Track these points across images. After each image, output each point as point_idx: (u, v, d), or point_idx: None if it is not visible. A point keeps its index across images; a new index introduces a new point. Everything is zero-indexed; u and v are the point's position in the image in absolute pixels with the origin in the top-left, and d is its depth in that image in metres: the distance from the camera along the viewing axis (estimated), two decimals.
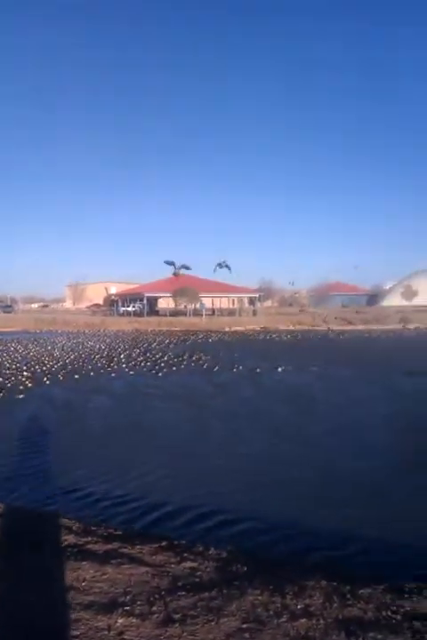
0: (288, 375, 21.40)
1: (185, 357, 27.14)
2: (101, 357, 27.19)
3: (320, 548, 6.44)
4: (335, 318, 58.74)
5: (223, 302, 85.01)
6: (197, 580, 5.05)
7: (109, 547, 5.90)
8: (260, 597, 4.63)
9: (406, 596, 4.85)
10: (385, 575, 5.49)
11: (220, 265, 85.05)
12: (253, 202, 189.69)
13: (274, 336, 44.36)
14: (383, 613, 4.43)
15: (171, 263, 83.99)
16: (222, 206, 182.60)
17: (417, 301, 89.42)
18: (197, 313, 69.14)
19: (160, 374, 21.76)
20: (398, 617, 4.37)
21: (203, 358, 26.79)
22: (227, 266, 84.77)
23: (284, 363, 24.02)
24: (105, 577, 5.03)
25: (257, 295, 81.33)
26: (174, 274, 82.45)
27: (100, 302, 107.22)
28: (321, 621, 4.23)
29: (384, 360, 26.73)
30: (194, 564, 5.45)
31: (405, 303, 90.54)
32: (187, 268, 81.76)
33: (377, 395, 16.91)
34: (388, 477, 9.17)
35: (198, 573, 5.21)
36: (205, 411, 14.68)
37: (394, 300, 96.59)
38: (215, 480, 9.02)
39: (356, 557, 6.24)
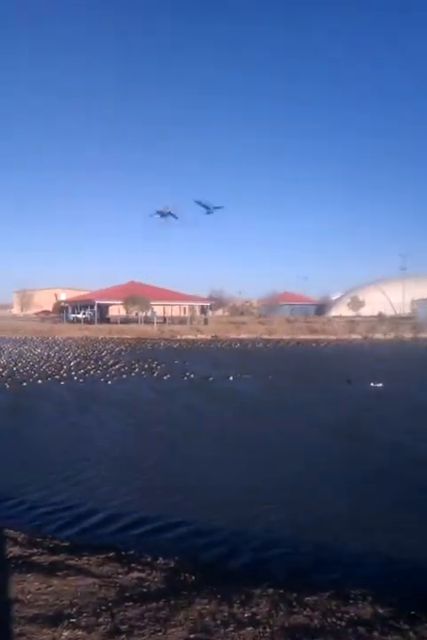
0: (239, 383, 21.56)
1: (135, 365, 26.92)
2: (51, 365, 26.69)
3: (267, 556, 6.51)
4: (291, 324, 59.51)
5: (175, 310, 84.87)
6: (145, 590, 5.01)
7: (55, 558, 5.79)
8: (207, 607, 4.63)
9: (350, 602, 4.95)
10: (332, 581, 5.61)
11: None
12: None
13: (225, 345, 44.56)
14: (329, 620, 4.50)
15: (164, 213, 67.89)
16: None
17: (364, 312, 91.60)
18: (148, 321, 68.76)
19: (110, 382, 21.53)
20: (343, 623, 4.45)
21: (153, 366, 26.64)
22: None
23: (235, 371, 24.16)
24: (51, 589, 4.92)
25: (208, 304, 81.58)
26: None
27: (50, 309, 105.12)
28: (268, 629, 4.26)
29: (329, 368, 27.35)
30: (142, 575, 5.41)
31: (351, 313, 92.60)
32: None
33: (319, 401, 17.56)
34: (326, 479, 9.46)
35: (146, 583, 5.18)
36: (149, 418, 14.72)
37: (341, 311, 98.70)
38: (155, 489, 9.03)
39: (303, 564, 6.33)
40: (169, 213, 67.34)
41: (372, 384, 19.79)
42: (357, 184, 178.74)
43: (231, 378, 22.85)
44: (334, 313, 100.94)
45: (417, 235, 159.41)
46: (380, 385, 19.66)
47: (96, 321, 70.14)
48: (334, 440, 12.35)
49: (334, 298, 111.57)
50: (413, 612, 4.71)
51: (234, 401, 17.84)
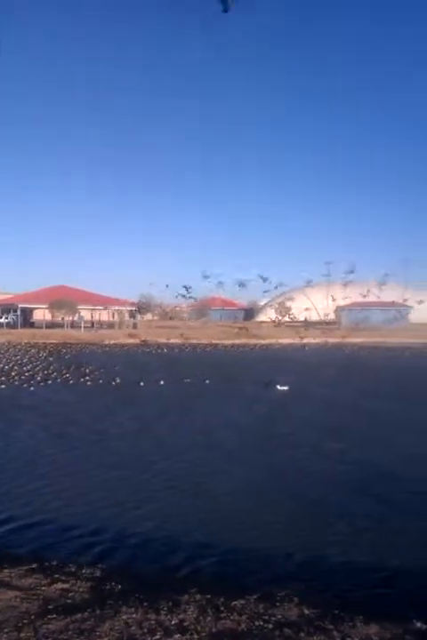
0: (167, 388, 21.51)
1: (60, 371, 26.29)
2: None
3: (195, 561, 6.47)
4: (221, 329, 59.93)
5: (103, 315, 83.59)
6: (70, 601, 4.88)
7: None
8: (134, 615, 4.55)
9: (277, 604, 5.01)
10: (260, 584, 5.64)
11: None
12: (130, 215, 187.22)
13: (154, 349, 44.34)
14: (256, 623, 4.53)
15: None
16: (102, 220, 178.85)
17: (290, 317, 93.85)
18: (75, 325, 67.38)
19: (32, 388, 20.92)
20: (270, 626, 4.49)
21: (78, 372, 26.09)
22: None
23: (162, 375, 24.05)
24: None
25: (137, 308, 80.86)
26: None
27: None
28: (195, 636, 4.24)
29: (252, 372, 27.98)
30: (66, 585, 5.25)
31: (279, 318, 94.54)
32: None
33: (237, 404, 18.09)
34: (235, 481, 9.58)
35: (71, 594, 5.04)
36: (74, 426, 14.41)
37: (269, 315, 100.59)
38: (72, 496, 8.84)
39: (231, 568, 6.33)
40: None
41: (278, 386, 20.92)
42: (284, 192, 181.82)
43: (162, 382, 22.78)
44: (262, 317, 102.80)
45: (342, 242, 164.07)
46: (286, 388, 20.77)
47: (19, 325, 68.07)
48: (242, 442, 12.73)
49: (262, 303, 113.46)
50: (336, 612, 4.82)
51: (157, 402, 18.16)
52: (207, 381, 23.35)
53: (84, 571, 5.77)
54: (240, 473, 10.24)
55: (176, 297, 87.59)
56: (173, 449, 11.99)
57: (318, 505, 8.48)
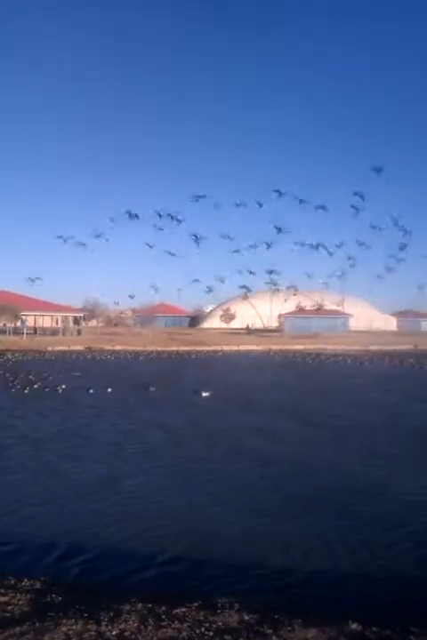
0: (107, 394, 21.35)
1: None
2: None
3: (136, 569, 6.49)
4: (166, 336, 59.70)
5: (46, 321, 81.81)
6: (8, 614, 4.82)
7: None
8: (74, 627, 4.55)
9: (218, 611, 5.10)
10: (201, 592, 5.73)
11: None
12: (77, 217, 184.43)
13: (98, 356, 43.80)
14: (197, 631, 4.60)
15: None
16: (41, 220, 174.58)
17: (234, 324, 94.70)
18: (17, 331, 65.70)
19: None
20: (211, 633, 4.57)
21: (18, 379, 25.51)
22: None
23: (102, 382, 23.82)
24: None
25: (82, 314, 79.69)
26: None
27: None
28: None
29: (189, 379, 28.13)
30: (5, 599, 5.19)
31: (223, 326, 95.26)
32: None
33: (164, 409, 18.67)
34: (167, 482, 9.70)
35: (9, 608, 4.98)
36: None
37: (214, 323, 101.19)
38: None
39: (172, 575, 6.39)
40: None
41: (203, 394, 21.51)
42: (226, 196, 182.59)
43: (92, 390, 22.65)
44: (207, 325, 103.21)
45: (284, 252, 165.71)
46: (207, 394, 21.52)
47: None
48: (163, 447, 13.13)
49: (207, 310, 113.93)
50: (276, 616, 4.95)
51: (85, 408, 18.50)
52: (152, 388, 23.31)
53: (23, 583, 5.71)
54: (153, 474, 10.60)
55: (117, 303, 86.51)
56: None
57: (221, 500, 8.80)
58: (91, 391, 22.34)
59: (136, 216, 45.45)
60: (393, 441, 13.77)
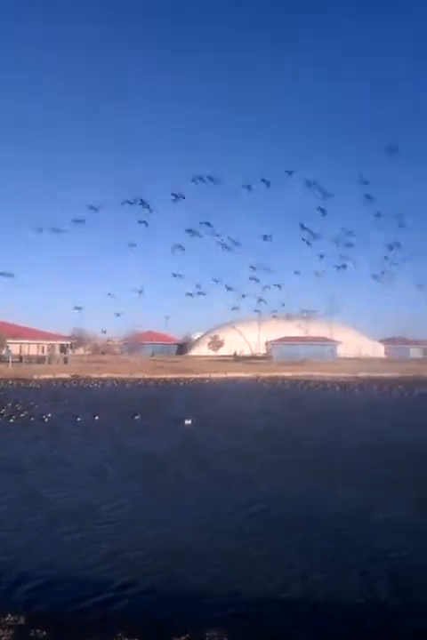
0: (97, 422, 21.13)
1: None
2: None
3: (124, 602, 6.34)
4: (153, 364, 59.52)
5: (32, 349, 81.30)
6: None
7: None
8: None
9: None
10: (190, 624, 5.58)
11: None
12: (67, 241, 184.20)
13: (85, 385, 43.52)
14: None
15: None
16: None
17: (223, 351, 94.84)
18: (3, 360, 65.19)
19: None
20: None
21: (5, 408, 25.15)
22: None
23: (90, 411, 23.59)
24: None
25: (69, 342, 79.40)
26: None
27: None
28: None
29: (175, 406, 28.02)
30: None
31: (211, 353, 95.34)
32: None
33: (146, 436, 18.66)
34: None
35: None
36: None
37: (201, 350, 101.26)
38: None
39: (162, 607, 6.24)
40: None
41: (186, 422, 21.56)
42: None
43: (79, 419, 22.38)
44: (195, 352, 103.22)
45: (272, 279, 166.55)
46: (190, 422, 21.55)
47: None
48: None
49: (195, 337, 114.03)
50: None
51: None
52: (137, 417, 23.11)
53: (7, 618, 5.55)
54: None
55: (104, 332, 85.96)
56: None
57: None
58: (78, 419, 22.11)
59: None
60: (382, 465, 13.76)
